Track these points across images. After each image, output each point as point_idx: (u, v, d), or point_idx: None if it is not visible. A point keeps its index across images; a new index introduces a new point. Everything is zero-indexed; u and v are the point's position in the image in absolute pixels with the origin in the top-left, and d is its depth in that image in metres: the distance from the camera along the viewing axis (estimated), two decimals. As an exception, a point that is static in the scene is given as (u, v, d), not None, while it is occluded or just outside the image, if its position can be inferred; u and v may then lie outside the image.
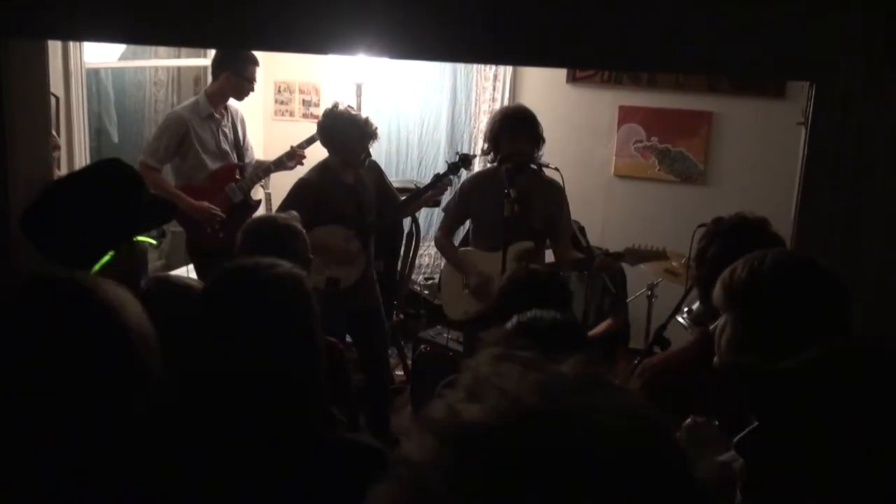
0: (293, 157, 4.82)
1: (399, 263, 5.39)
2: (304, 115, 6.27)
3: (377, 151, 5.04)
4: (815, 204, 2.50)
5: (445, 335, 4.78)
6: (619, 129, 5.72)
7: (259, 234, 2.82)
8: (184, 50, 5.94)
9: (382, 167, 4.75)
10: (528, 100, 5.44)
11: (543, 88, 5.78)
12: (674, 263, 4.04)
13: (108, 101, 5.82)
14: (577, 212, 4.28)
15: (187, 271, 4.89)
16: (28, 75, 2.91)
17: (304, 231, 2.95)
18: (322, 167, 4.32)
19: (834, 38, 2.37)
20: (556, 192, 4.08)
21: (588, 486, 0.62)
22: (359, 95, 5.71)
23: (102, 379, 1.25)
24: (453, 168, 4.40)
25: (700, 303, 2.29)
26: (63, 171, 4.31)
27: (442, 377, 3.12)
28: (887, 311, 2.37)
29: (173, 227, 5.17)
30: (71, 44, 4.61)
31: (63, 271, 1.49)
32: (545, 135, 4.05)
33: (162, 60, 6.06)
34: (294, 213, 3.04)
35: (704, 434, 1.70)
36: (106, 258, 2.16)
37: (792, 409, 1.15)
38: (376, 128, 4.32)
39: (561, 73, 5.71)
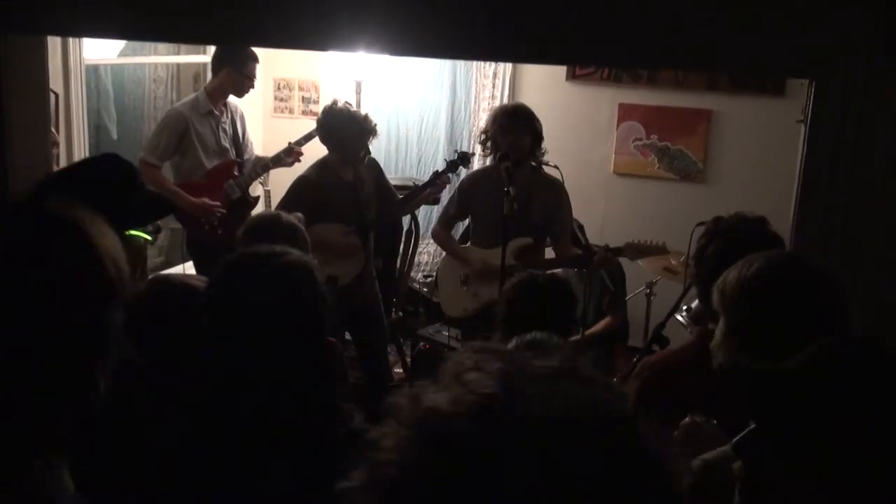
0: (290, 153, 4.82)
1: (398, 261, 5.39)
2: (304, 113, 6.26)
3: (376, 149, 5.03)
4: (815, 202, 2.50)
5: (444, 332, 4.78)
6: (618, 126, 5.71)
7: (260, 230, 2.82)
8: (183, 46, 5.93)
9: (382, 164, 4.75)
10: (528, 97, 5.43)
11: (543, 86, 5.77)
12: (673, 261, 4.03)
13: (107, 98, 5.81)
14: (576, 209, 4.28)
15: (184, 268, 4.89)
16: (27, 72, 2.90)
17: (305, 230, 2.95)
18: (321, 164, 4.31)
19: (834, 36, 2.37)
20: (556, 189, 4.08)
21: (539, 473, 0.63)
22: (358, 93, 5.70)
23: (69, 290, 1.19)
24: (452, 166, 4.40)
25: (699, 301, 2.29)
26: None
27: (441, 375, 3.13)
28: (887, 310, 2.37)
29: (172, 224, 5.18)
30: (70, 40, 4.60)
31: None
32: (544, 133, 4.05)
33: (161, 57, 6.05)
34: (300, 215, 3.03)
35: (703, 433, 1.70)
36: None
37: (791, 410, 1.15)
38: (375, 125, 4.32)
39: (560, 71, 5.70)
